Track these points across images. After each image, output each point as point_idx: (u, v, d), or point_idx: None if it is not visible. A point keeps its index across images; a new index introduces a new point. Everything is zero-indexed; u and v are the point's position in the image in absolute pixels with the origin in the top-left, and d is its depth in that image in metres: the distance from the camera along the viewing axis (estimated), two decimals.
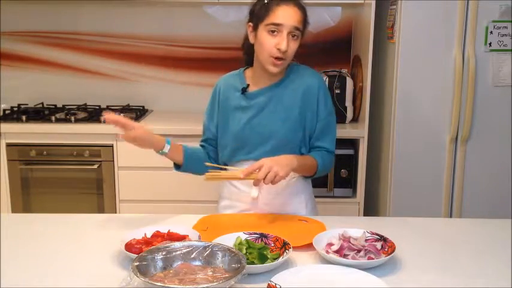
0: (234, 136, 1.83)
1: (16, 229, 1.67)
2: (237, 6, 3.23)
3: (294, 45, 1.74)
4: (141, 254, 1.31)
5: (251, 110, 1.82)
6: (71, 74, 3.39)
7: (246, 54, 1.89)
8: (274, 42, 1.71)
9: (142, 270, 1.24)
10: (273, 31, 1.71)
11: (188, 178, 2.83)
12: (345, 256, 1.43)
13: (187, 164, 1.84)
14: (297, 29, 1.72)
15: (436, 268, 1.42)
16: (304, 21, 1.76)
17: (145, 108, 3.33)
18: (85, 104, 3.33)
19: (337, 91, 2.95)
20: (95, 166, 2.90)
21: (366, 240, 1.49)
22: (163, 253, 1.32)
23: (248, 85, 1.84)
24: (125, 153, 2.90)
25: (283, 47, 1.70)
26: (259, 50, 1.76)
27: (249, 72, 1.89)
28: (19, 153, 2.90)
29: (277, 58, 1.72)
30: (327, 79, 2.94)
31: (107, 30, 3.34)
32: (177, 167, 1.87)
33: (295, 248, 1.47)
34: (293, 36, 1.72)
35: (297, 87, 1.83)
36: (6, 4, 3.27)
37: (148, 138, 1.72)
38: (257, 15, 1.76)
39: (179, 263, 1.32)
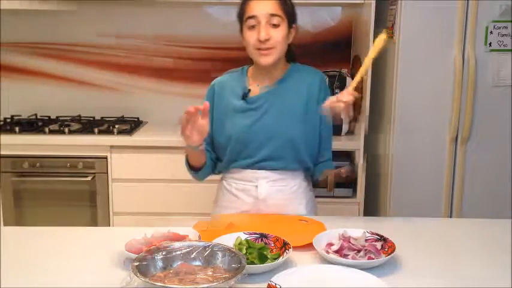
0: (236, 139, 1.81)
1: (9, 243, 1.57)
2: (237, 6, 3.22)
3: (277, 33, 1.74)
4: (141, 254, 1.31)
5: (254, 113, 1.81)
6: (65, 85, 3.35)
7: None
8: (255, 35, 1.74)
9: (142, 270, 1.24)
10: (252, 26, 1.74)
11: (183, 190, 2.84)
12: (345, 256, 1.43)
13: (206, 167, 1.85)
14: (274, 15, 1.73)
15: (436, 268, 1.42)
16: (284, 7, 1.76)
17: (140, 119, 3.28)
18: (79, 116, 3.28)
19: (337, 91, 2.95)
20: (89, 178, 2.85)
21: (366, 240, 1.49)
22: (163, 253, 1.32)
23: (249, 90, 1.84)
24: (119, 165, 2.87)
25: (261, 36, 1.72)
26: (246, 47, 1.79)
27: (251, 70, 1.90)
28: (12, 165, 2.85)
29: (261, 49, 1.74)
30: (327, 79, 2.94)
31: (101, 41, 3.31)
32: (192, 168, 1.86)
33: (295, 248, 1.47)
34: (274, 25, 1.73)
35: (299, 86, 1.84)
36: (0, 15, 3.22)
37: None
38: (239, 17, 1.81)
39: (179, 263, 1.32)
